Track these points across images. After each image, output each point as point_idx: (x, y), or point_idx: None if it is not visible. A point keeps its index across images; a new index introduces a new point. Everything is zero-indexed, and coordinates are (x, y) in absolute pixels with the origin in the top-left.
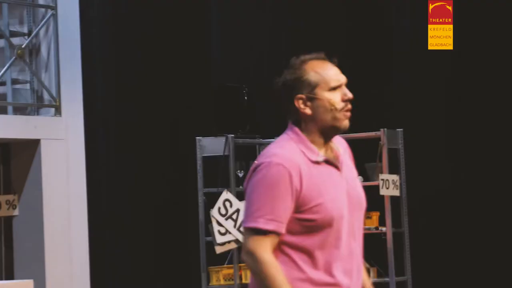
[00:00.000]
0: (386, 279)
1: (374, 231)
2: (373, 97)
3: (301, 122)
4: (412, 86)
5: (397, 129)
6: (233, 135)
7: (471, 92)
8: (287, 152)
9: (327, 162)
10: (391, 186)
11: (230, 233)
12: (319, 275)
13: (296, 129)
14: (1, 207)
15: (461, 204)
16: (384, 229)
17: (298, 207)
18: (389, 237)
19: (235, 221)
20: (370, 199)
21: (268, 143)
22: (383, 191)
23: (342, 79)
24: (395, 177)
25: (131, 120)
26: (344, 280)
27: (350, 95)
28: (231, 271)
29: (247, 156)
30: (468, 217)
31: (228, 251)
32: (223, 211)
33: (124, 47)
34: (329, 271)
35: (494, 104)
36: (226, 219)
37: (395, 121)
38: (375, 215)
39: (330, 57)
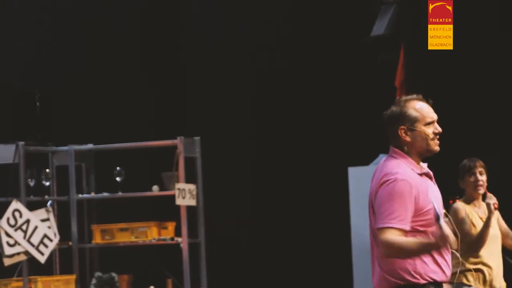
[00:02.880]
0: None
1: (170, 241)
2: (170, 104)
3: (402, 146)
4: (209, 93)
5: (194, 137)
6: (23, 142)
7: (273, 99)
8: (405, 170)
9: (426, 175)
10: (188, 195)
11: (19, 244)
12: (431, 264)
13: (401, 152)
14: None
15: (260, 215)
16: (180, 239)
17: (416, 211)
18: (185, 247)
19: (25, 232)
20: (166, 209)
21: (62, 151)
22: (179, 201)
23: (435, 116)
24: (191, 186)
25: None
26: (448, 260)
27: (439, 129)
28: (20, 283)
29: (39, 164)
30: (267, 227)
31: (18, 263)
32: (12, 221)
33: None
34: (436, 262)
35: (299, 110)
36: (16, 230)
37: (192, 129)
38: (171, 225)
39: (427, 99)
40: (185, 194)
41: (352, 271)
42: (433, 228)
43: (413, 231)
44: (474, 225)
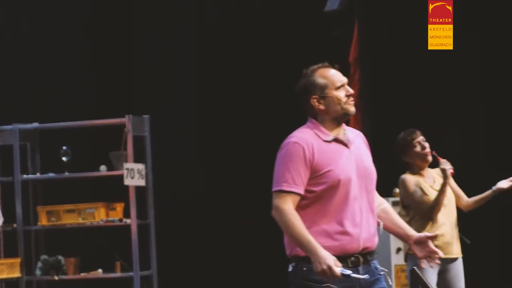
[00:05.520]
0: (130, 273)
1: (118, 223)
2: (117, 81)
3: (317, 115)
4: (158, 71)
5: (143, 116)
6: None
7: (224, 76)
8: (302, 134)
9: (337, 141)
10: (137, 175)
11: None
12: (331, 226)
13: (313, 120)
14: None
15: (210, 195)
16: (128, 221)
17: (313, 173)
18: (134, 229)
19: None
20: (114, 189)
21: (6, 130)
22: (127, 181)
23: (344, 79)
24: (140, 166)
25: None
26: (354, 230)
27: (351, 91)
28: None
29: None
30: (218, 207)
31: None
32: None
33: None
34: (340, 223)
35: (251, 85)
36: None
37: (140, 107)
38: (120, 206)
39: (332, 64)
40: (134, 174)
41: None
42: (334, 263)
43: (315, 194)
44: (426, 194)
